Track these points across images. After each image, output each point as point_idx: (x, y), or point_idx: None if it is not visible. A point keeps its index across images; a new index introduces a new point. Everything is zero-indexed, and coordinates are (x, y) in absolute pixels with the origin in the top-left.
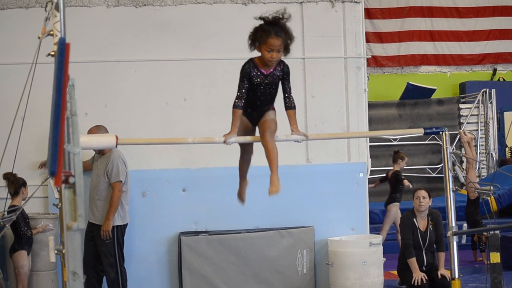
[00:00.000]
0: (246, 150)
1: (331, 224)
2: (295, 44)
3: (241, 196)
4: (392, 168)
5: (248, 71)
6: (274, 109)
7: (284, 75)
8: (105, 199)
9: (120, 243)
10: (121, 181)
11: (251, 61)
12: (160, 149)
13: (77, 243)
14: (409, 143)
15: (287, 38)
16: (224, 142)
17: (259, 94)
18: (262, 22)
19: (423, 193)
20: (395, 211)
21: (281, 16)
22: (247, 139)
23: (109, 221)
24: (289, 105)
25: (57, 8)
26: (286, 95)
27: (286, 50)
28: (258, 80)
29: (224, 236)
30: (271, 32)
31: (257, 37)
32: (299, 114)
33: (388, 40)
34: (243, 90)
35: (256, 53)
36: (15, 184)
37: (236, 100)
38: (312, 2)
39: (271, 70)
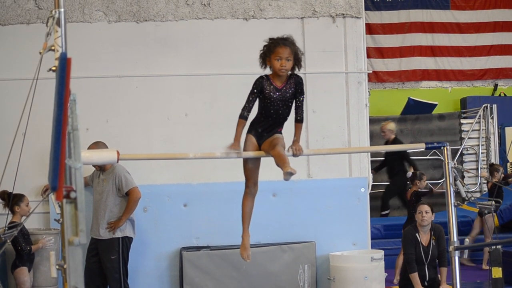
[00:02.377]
0: (252, 176)
1: (333, 239)
2: None
3: (245, 250)
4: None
5: (261, 82)
6: (281, 133)
7: (297, 86)
8: (119, 212)
9: (125, 258)
10: (136, 186)
11: (264, 75)
12: (161, 164)
13: (78, 258)
14: (410, 158)
15: (295, 48)
16: (231, 150)
17: (272, 111)
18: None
19: (425, 207)
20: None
21: (287, 36)
22: (249, 154)
23: (122, 220)
24: (298, 118)
25: (58, 23)
26: (298, 105)
27: (297, 63)
28: (271, 94)
29: (225, 251)
30: (279, 42)
31: (266, 51)
32: None
33: (389, 56)
34: (251, 102)
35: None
36: (7, 202)
37: (242, 111)
38: (313, 17)
39: (284, 84)
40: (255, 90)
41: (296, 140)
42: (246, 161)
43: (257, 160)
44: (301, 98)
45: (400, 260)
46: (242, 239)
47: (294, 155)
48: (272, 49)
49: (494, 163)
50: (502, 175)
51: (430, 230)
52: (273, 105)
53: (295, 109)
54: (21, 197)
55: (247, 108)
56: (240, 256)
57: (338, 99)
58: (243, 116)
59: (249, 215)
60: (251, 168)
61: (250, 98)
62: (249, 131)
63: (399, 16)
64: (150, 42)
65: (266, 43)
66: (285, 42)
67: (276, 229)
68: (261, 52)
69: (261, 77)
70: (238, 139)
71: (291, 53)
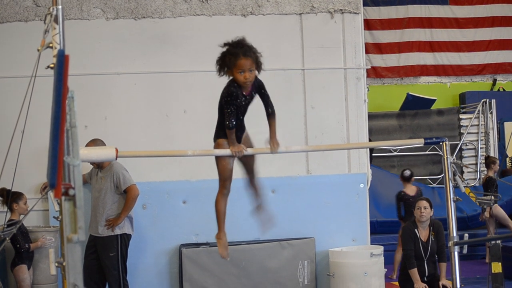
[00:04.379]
0: (230, 176)
1: (332, 235)
2: (295, 55)
3: (226, 249)
4: None
5: (235, 91)
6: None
7: (260, 88)
8: (117, 210)
9: (123, 255)
10: (134, 184)
11: (234, 83)
12: (160, 161)
13: (77, 255)
14: (409, 154)
15: (255, 56)
16: (236, 151)
17: (240, 115)
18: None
19: (424, 203)
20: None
21: (242, 38)
22: (256, 151)
23: (121, 218)
24: (270, 111)
25: (56, 20)
26: (265, 99)
27: (258, 68)
28: (240, 102)
29: None
30: (239, 53)
31: (226, 62)
32: (300, 125)
33: (388, 51)
34: (233, 112)
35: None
36: (6, 199)
37: (228, 123)
38: (311, 13)
39: (249, 91)
40: (234, 101)
41: (272, 136)
42: (223, 161)
43: (233, 160)
44: (265, 92)
45: (398, 255)
46: (219, 239)
47: (272, 152)
48: (234, 62)
49: (490, 155)
50: (498, 167)
51: (429, 226)
52: (241, 111)
53: (264, 103)
54: (19, 195)
55: (232, 118)
56: (220, 256)
57: (336, 95)
58: (231, 128)
59: (224, 214)
60: (230, 169)
61: (231, 110)
62: (219, 136)
63: (398, 12)
64: (149, 39)
65: (223, 51)
66: (246, 52)
67: (275, 226)
68: (218, 59)
69: (232, 86)
70: (234, 142)
71: (253, 62)
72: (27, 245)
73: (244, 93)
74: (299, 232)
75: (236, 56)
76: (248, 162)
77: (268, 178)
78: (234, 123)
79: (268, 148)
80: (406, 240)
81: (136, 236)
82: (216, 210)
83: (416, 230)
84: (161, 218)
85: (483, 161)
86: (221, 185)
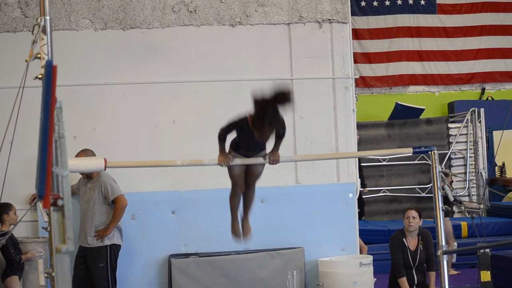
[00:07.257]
0: (238, 182)
1: (321, 245)
2: (282, 64)
3: (235, 231)
4: None
5: (240, 127)
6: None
7: (278, 131)
8: (106, 220)
9: (113, 266)
10: (122, 194)
11: (247, 122)
12: (149, 172)
13: (66, 266)
14: (398, 163)
15: (278, 126)
16: (222, 161)
17: (250, 144)
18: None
19: (413, 213)
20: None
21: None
22: (246, 161)
23: (110, 229)
24: (279, 134)
25: (44, 31)
26: (278, 136)
27: (279, 129)
28: (247, 140)
29: (214, 258)
30: (265, 122)
31: (255, 112)
32: (288, 135)
33: (376, 61)
34: (227, 134)
35: None
36: None
37: (220, 134)
38: (299, 23)
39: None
40: (232, 128)
41: (275, 150)
42: (231, 168)
43: (242, 167)
44: (281, 136)
45: None
46: (232, 228)
47: (270, 163)
48: (257, 123)
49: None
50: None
51: (418, 235)
52: (249, 144)
53: (275, 132)
54: (9, 206)
55: (224, 135)
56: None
57: (325, 104)
58: (222, 139)
59: (237, 208)
60: (237, 175)
61: (226, 131)
62: (233, 149)
63: (386, 21)
64: (137, 50)
65: (259, 100)
66: (271, 122)
67: (264, 235)
68: (254, 101)
69: (244, 121)
70: (223, 150)
71: (273, 129)
72: (18, 257)
73: (256, 136)
74: (288, 242)
75: (261, 121)
76: (252, 175)
77: (257, 188)
78: (224, 137)
79: (258, 159)
80: (394, 249)
81: (126, 247)
82: (230, 205)
83: (404, 239)
84: (150, 229)
85: (473, 170)
86: (232, 188)
